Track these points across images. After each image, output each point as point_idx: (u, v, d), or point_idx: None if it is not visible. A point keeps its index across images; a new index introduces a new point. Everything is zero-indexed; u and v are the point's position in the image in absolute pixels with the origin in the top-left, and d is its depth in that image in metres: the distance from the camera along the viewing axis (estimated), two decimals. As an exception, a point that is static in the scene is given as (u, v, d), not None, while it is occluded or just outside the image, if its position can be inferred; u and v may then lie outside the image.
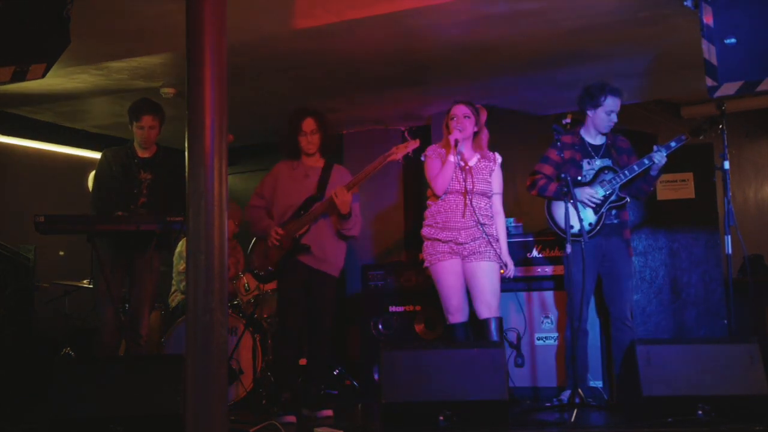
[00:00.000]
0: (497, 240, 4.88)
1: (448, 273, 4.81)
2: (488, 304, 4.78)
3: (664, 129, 7.53)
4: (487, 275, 4.80)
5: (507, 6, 4.91)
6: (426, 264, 4.89)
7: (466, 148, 4.93)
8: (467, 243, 4.79)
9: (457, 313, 4.80)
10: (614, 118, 4.96)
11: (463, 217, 4.80)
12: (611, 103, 4.94)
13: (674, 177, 5.85)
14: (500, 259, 4.85)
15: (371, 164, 4.90)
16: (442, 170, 4.84)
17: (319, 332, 4.98)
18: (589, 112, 5.00)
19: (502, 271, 4.89)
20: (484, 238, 4.80)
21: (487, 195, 4.92)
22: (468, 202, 4.80)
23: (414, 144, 4.89)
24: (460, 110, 4.93)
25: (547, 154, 5.05)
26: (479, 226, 4.80)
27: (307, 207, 4.94)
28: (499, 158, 5.01)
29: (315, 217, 4.91)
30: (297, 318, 4.93)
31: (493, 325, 4.76)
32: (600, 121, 4.97)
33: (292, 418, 4.69)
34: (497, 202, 4.98)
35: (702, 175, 5.80)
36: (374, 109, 7.31)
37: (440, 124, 7.26)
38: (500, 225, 4.96)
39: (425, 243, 4.92)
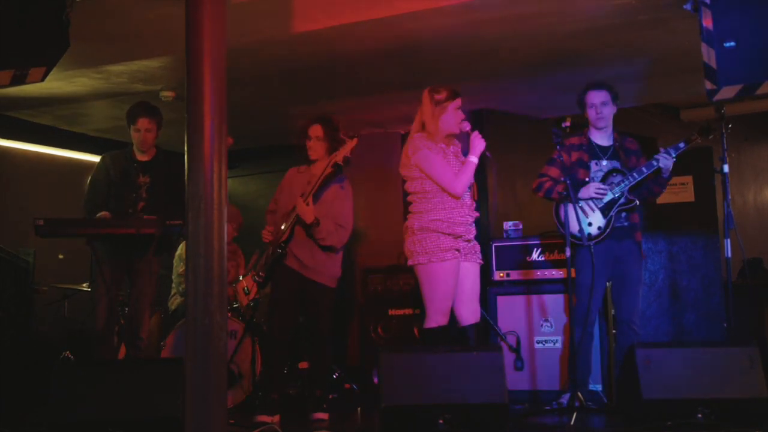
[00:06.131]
0: None
1: (450, 275, 4.45)
2: (473, 310, 4.60)
3: (663, 132, 7.54)
4: (477, 277, 4.62)
5: (506, 9, 4.91)
6: (422, 260, 4.48)
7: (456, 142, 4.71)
8: (472, 240, 4.58)
9: (447, 316, 4.51)
10: (603, 111, 4.91)
11: (470, 213, 4.58)
12: (593, 97, 4.93)
13: (674, 180, 5.83)
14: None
15: (320, 172, 4.91)
16: (465, 171, 4.51)
17: (315, 341, 5.04)
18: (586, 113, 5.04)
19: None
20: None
21: None
22: (472, 197, 4.62)
23: (352, 144, 4.88)
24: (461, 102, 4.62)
25: (555, 156, 5.04)
26: (475, 223, 4.65)
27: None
28: None
29: (293, 223, 4.92)
30: (285, 324, 4.99)
31: (473, 332, 4.61)
32: (591, 118, 4.98)
33: (267, 418, 4.70)
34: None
35: (701, 179, 5.82)
36: (373, 113, 7.32)
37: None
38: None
39: (427, 236, 4.50)
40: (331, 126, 5.04)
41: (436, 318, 4.48)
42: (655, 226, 5.91)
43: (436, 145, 4.56)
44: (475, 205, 4.64)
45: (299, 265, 4.96)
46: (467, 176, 4.51)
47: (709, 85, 4.19)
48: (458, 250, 4.50)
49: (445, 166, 4.53)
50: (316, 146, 5.01)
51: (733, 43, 4.17)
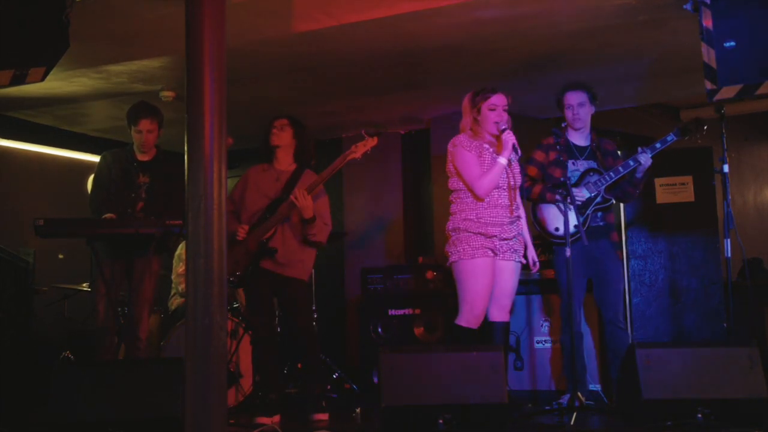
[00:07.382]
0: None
1: (484, 274, 4.49)
2: (505, 308, 4.64)
3: (663, 133, 7.51)
4: (513, 277, 4.64)
5: (506, 9, 4.92)
6: (454, 258, 4.55)
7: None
8: (511, 239, 4.59)
9: (480, 319, 4.53)
10: (579, 112, 4.97)
11: (511, 213, 4.59)
12: (570, 98, 5.00)
13: (674, 180, 5.86)
14: (524, 257, 4.70)
15: (331, 165, 4.91)
16: (490, 171, 4.53)
17: (298, 336, 5.03)
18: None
19: (536, 266, 4.78)
20: (521, 234, 4.68)
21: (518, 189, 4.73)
22: (513, 197, 4.62)
23: (372, 142, 4.89)
24: (502, 100, 4.66)
25: (533, 155, 5.08)
26: (519, 222, 4.66)
27: (273, 210, 4.95)
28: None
29: (280, 220, 4.91)
30: (266, 323, 4.98)
31: (501, 329, 4.66)
32: (568, 118, 5.02)
33: (266, 420, 4.69)
34: (518, 195, 4.76)
35: (701, 179, 5.81)
36: (373, 113, 7.31)
37: (440, 127, 7.30)
38: (524, 219, 4.77)
39: (459, 236, 4.56)
40: (296, 120, 5.11)
41: (467, 317, 4.53)
42: (655, 226, 5.90)
43: (473, 143, 4.60)
44: (515, 205, 4.63)
45: (273, 264, 4.93)
46: (492, 177, 4.53)
47: (709, 85, 4.19)
48: (492, 249, 4.52)
49: (473, 165, 4.56)
50: (280, 134, 5.05)
51: (733, 43, 4.17)
